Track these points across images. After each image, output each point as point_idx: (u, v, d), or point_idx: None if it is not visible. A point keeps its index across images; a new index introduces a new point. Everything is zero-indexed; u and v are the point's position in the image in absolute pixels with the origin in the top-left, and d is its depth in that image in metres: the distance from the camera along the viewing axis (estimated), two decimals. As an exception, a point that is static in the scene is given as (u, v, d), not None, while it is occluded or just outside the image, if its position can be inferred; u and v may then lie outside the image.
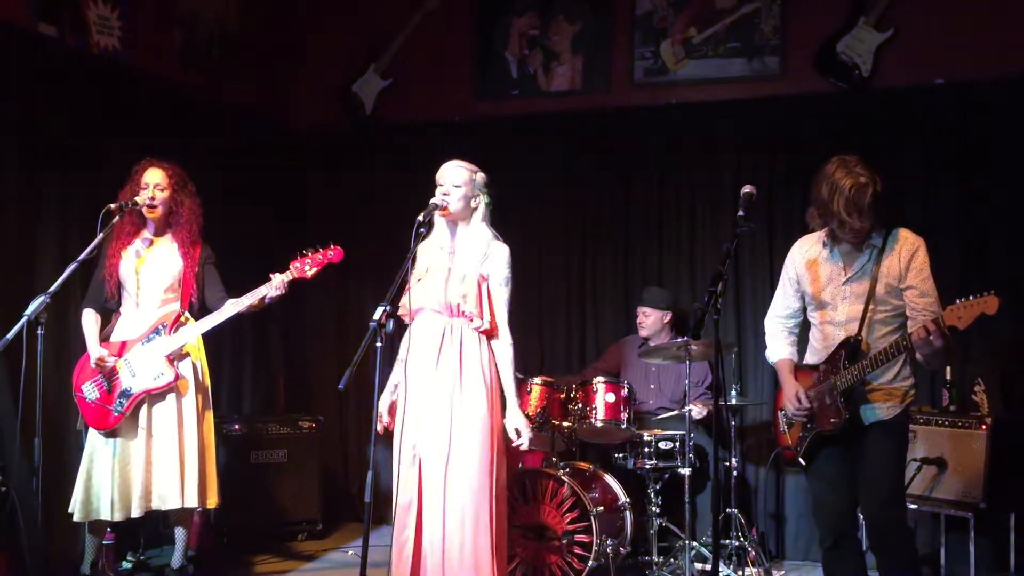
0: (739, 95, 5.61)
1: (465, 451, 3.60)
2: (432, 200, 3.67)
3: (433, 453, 3.62)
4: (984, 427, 4.54)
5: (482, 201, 3.78)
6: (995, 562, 4.69)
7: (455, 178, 3.71)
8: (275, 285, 4.21)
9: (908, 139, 5.21)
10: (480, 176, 3.78)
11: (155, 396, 4.20)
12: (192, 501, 4.20)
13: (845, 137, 4.96)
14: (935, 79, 5.19)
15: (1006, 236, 5.01)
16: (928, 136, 5.19)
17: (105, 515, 4.13)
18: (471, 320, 3.68)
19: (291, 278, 4.23)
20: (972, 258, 5.07)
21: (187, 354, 4.30)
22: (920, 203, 5.12)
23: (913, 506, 4.59)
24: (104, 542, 4.31)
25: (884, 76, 5.31)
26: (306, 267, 4.24)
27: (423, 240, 3.69)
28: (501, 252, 3.76)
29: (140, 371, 4.18)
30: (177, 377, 4.20)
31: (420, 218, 3.55)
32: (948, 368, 4.84)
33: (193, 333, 4.26)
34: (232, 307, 4.23)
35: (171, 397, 4.22)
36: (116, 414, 4.15)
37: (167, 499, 4.17)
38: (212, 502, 4.35)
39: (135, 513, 4.16)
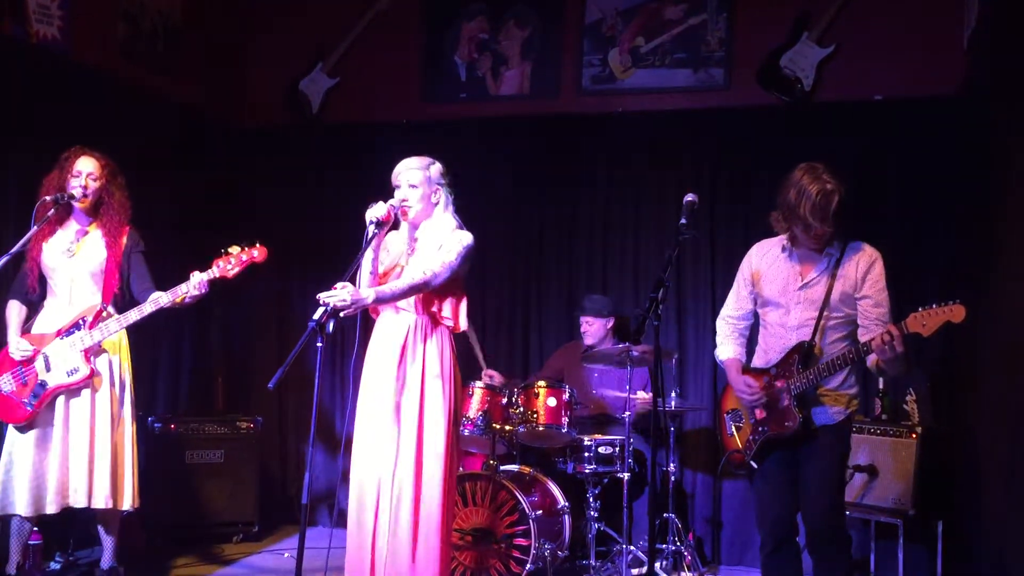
0: (685, 105, 5.68)
1: (430, 449, 3.57)
2: (390, 202, 3.60)
3: (397, 452, 3.55)
4: (914, 436, 4.64)
5: (442, 193, 3.71)
6: (924, 569, 4.78)
7: (411, 179, 3.65)
8: (195, 284, 4.11)
9: (847, 153, 5.29)
10: (435, 168, 3.71)
11: (71, 392, 4.11)
12: (100, 502, 4.11)
13: (787, 150, 5.02)
14: (874, 95, 5.31)
15: (942, 250, 5.11)
16: (866, 151, 5.29)
17: (18, 510, 4.05)
18: (436, 316, 3.65)
19: (212, 277, 4.13)
20: (907, 271, 5.16)
21: (104, 350, 4.21)
22: (857, 216, 5.21)
23: (845, 512, 4.67)
24: (30, 542, 4.20)
25: (825, 91, 5.41)
26: (228, 266, 4.15)
27: (387, 234, 3.63)
28: (455, 238, 3.67)
29: (56, 366, 4.11)
30: (93, 373, 4.12)
31: (377, 217, 3.51)
32: (881, 378, 4.94)
33: (113, 329, 4.16)
34: (151, 305, 4.14)
35: (86, 394, 4.13)
36: (28, 408, 4.08)
37: (79, 497, 4.09)
38: (125, 504, 4.21)
39: (49, 510, 4.07)
